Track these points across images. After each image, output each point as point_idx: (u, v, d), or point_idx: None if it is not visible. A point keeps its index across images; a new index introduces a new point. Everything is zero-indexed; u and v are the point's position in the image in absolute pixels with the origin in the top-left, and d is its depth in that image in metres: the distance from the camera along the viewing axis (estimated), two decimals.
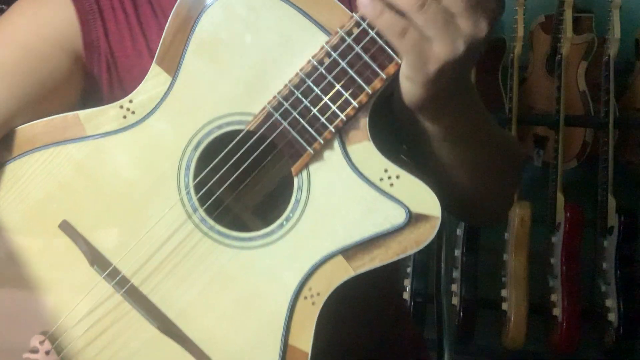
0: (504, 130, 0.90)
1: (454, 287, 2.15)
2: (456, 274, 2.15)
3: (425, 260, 2.12)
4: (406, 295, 2.11)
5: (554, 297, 2.10)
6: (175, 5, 0.74)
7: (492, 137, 0.83)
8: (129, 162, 0.78)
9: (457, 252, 2.15)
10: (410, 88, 0.69)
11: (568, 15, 2.08)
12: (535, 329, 2.13)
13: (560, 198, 2.09)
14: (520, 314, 2.09)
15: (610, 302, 2.04)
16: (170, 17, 0.74)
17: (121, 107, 0.77)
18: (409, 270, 2.14)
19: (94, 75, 0.86)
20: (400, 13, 0.65)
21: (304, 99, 0.72)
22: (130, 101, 0.77)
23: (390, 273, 1.00)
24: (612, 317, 2.03)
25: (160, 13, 0.87)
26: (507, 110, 2.16)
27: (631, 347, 2.04)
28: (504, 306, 2.12)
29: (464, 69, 0.70)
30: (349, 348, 0.89)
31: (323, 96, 0.71)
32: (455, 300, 2.13)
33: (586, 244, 2.12)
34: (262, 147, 0.74)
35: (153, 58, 0.84)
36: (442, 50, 0.65)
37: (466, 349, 2.14)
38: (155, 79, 0.76)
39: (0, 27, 0.86)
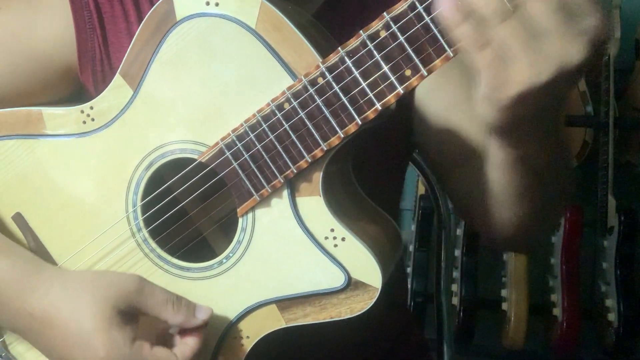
0: (568, 161, 0.83)
1: (454, 287, 2.15)
2: (456, 274, 2.15)
3: (425, 260, 2.12)
4: None
5: (554, 297, 2.10)
6: (147, 16, 0.70)
7: (559, 172, 0.73)
8: (83, 169, 0.76)
9: (457, 252, 2.15)
10: (486, 109, 0.59)
11: None
12: (535, 329, 2.13)
13: None
14: (520, 314, 2.09)
15: (610, 302, 2.05)
16: (139, 28, 0.70)
17: (82, 111, 0.75)
18: (409, 270, 2.14)
19: (87, 81, 0.82)
20: (482, 23, 0.55)
21: (257, 143, 0.68)
22: (92, 107, 0.75)
23: (394, 287, 0.97)
24: (612, 317, 2.03)
25: None
26: None
27: (631, 347, 2.04)
28: (504, 306, 2.12)
29: (553, 98, 0.58)
30: None
31: (277, 144, 0.67)
32: (455, 300, 2.13)
33: (586, 244, 2.12)
34: (210, 183, 0.71)
35: None
36: (521, 73, 0.55)
37: (466, 349, 2.14)
38: (117, 90, 0.73)
39: None
